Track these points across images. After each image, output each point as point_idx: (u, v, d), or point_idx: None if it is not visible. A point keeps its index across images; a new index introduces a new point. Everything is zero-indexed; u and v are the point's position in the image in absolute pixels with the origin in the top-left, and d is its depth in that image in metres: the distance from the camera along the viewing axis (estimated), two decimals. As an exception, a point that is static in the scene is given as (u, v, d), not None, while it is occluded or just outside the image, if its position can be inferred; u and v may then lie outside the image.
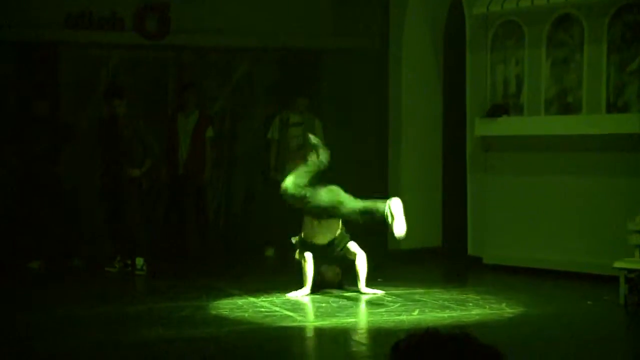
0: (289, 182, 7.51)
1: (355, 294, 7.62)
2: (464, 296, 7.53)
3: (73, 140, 9.43)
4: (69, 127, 9.50)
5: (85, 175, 9.66)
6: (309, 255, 7.51)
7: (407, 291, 7.75)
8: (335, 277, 7.80)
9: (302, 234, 7.68)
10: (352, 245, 7.67)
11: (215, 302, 7.25)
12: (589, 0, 8.35)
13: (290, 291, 7.50)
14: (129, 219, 9.14)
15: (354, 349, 6.06)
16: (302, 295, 7.44)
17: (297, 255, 7.67)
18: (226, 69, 10.74)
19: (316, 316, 6.82)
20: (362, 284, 7.64)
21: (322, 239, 7.62)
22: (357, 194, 10.75)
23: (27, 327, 6.50)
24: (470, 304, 7.19)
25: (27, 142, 9.17)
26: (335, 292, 7.64)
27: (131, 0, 10.24)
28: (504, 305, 7.14)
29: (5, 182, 9.56)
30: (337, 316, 6.76)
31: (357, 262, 7.63)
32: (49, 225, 9.20)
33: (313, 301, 7.30)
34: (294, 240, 7.71)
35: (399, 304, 7.16)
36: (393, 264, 9.57)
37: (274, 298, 7.40)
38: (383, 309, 6.98)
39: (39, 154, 9.16)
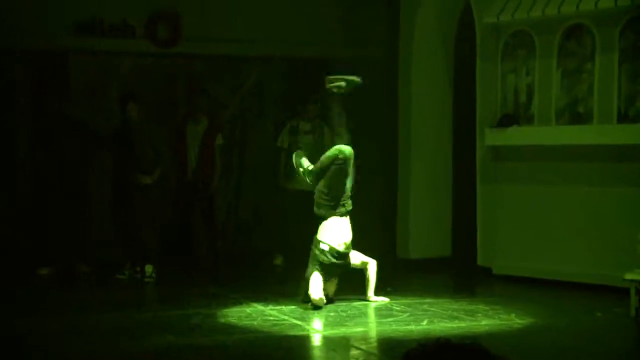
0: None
1: (363, 303, 7.60)
2: (473, 306, 7.50)
3: (103, 145, 9.47)
4: (97, 132, 9.53)
5: (95, 181, 9.69)
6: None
7: (416, 301, 7.73)
8: (333, 290, 7.66)
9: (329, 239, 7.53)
10: (358, 256, 7.66)
11: (224, 310, 7.24)
12: (600, 10, 8.33)
13: (300, 299, 7.45)
14: (139, 226, 9.16)
15: (362, 359, 6.04)
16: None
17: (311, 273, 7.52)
18: (236, 77, 10.75)
19: (325, 325, 6.80)
20: (371, 292, 7.64)
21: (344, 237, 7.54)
22: (366, 203, 10.79)
23: (36, 334, 6.50)
24: (480, 315, 7.16)
25: (58, 147, 9.22)
26: (344, 301, 7.62)
27: (142, 8, 10.28)
28: (513, 316, 7.11)
29: (24, 186, 9.61)
30: (346, 325, 6.74)
31: (368, 270, 7.62)
32: (65, 231, 9.22)
33: (322, 310, 7.27)
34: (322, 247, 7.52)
35: (407, 314, 7.14)
36: (402, 274, 9.55)
37: (283, 306, 7.39)
38: (392, 319, 6.96)
39: (70, 159, 9.22)
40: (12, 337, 6.43)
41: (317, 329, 6.75)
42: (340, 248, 7.47)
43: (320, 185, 7.62)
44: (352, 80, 7.87)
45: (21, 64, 9.99)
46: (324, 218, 7.57)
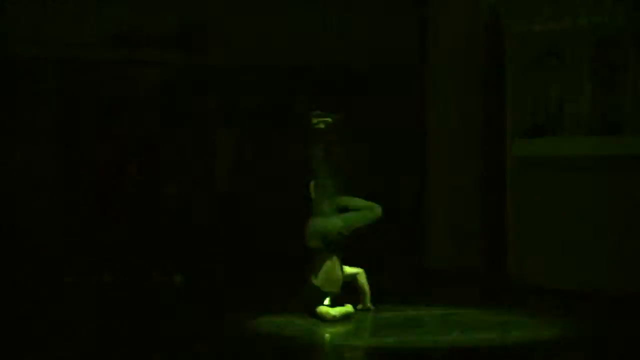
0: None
1: (394, 313, 7.60)
2: (503, 317, 7.48)
3: (133, 154, 9.58)
4: (129, 141, 9.65)
5: (125, 189, 9.77)
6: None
7: (446, 311, 7.72)
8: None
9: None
10: (348, 271, 7.61)
11: (254, 319, 7.26)
12: (633, 19, 8.28)
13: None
14: (168, 234, 9.23)
15: (393, 369, 6.04)
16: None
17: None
18: (263, 87, 10.80)
19: (354, 335, 6.80)
20: (368, 299, 7.62)
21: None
22: (393, 212, 10.77)
23: (57, 343, 6.55)
24: (510, 326, 7.13)
25: (89, 156, 9.36)
26: (373, 311, 7.62)
27: (174, 20, 10.36)
28: (543, 327, 7.07)
29: (53, 195, 9.73)
30: (376, 335, 6.75)
31: (359, 280, 7.61)
32: (94, 238, 9.33)
33: (352, 320, 7.28)
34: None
35: (437, 324, 7.13)
36: (431, 284, 9.53)
37: (313, 316, 7.40)
38: (422, 329, 6.95)
39: (100, 168, 9.34)
40: (32, 346, 6.49)
41: (346, 339, 6.75)
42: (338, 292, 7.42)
43: (342, 223, 7.49)
44: (335, 118, 7.80)
45: (54, 73, 10.10)
46: (324, 257, 7.43)
